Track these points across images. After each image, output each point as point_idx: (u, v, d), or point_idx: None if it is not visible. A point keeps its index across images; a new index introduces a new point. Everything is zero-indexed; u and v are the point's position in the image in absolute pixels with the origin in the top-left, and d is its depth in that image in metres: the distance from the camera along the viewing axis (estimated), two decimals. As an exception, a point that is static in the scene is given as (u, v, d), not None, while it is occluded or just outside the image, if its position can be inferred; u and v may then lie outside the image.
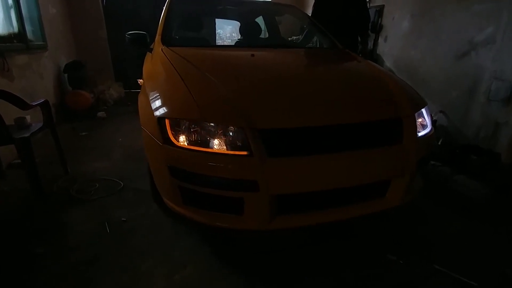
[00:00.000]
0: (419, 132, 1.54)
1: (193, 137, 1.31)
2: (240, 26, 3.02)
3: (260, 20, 3.27)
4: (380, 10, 4.05)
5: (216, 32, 5.61)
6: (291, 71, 1.73)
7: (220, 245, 1.61)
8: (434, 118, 3.20)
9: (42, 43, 3.60)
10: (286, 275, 1.42)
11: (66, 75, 4.17)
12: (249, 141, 1.23)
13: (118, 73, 5.41)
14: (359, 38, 3.29)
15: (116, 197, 2.11)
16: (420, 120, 1.68)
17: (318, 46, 2.77)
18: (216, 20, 5.04)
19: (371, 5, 4.19)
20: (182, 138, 1.32)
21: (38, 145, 2.38)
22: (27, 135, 1.98)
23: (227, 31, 6.24)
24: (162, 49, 1.94)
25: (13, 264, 1.45)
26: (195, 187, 1.32)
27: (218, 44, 4.91)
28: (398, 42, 3.81)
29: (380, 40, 4.13)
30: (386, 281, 1.39)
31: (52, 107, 3.74)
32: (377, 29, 4.10)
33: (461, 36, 2.93)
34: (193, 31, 2.62)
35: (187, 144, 1.30)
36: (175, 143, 1.31)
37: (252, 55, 1.84)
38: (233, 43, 3.32)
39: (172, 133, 1.33)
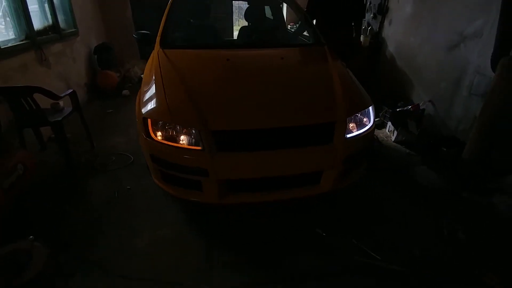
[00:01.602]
0: (354, 132, 1.85)
1: (166, 133, 1.76)
2: (246, 9, 3.31)
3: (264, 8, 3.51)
4: (387, -8, 4.01)
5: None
6: (255, 77, 2.05)
7: (193, 212, 2.11)
8: (422, 107, 3.35)
9: (74, 30, 4.12)
10: (237, 240, 1.88)
11: (95, 56, 4.74)
12: (202, 140, 1.65)
13: (143, 51, 5.90)
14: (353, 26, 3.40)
15: (127, 169, 2.67)
16: (365, 120, 1.98)
17: (307, 39, 2.96)
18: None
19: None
20: (159, 134, 1.77)
21: (71, 124, 2.99)
22: (59, 118, 2.54)
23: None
24: (158, 51, 2.34)
25: (49, 216, 2.06)
26: (168, 171, 1.80)
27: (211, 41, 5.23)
28: (401, 27, 3.82)
29: (386, 22, 4.13)
30: (306, 248, 1.81)
31: (85, 86, 4.41)
32: (384, 11, 4.09)
33: (454, 26, 2.96)
34: (192, 30, 2.95)
35: (162, 138, 1.75)
36: (154, 137, 1.76)
37: (228, 59, 2.19)
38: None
39: (153, 128, 1.79)
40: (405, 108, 3.38)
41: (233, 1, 5.61)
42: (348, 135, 1.80)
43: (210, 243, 1.84)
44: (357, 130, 1.87)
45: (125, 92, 4.70)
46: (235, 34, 4.68)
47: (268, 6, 3.72)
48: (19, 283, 1.41)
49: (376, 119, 3.67)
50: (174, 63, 2.14)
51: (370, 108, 1.99)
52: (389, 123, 3.38)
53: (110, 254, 1.75)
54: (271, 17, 3.65)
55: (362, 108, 1.93)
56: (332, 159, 1.76)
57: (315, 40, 2.72)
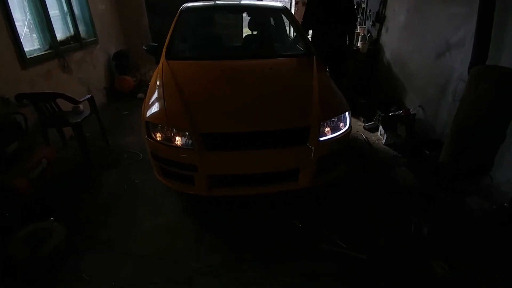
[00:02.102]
0: (328, 135, 2.09)
1: (164, 135, 2.07)
2: (249, 20, 3.61)
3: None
4: (384, 1, 4.17)
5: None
6: (243, 86, 2.32)
7: (188, 204, 2.41)
8: (413, 112, 3.51)
9: (94, 38, 4.54)
10: (225, 228, 2.16)
11: (114, 62, 5.16)
12: (193, 140, 1.95)
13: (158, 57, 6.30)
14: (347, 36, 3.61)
15: (136, 165, 3.01)
16: (341, 124, 2.21)
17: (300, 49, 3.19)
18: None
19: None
20: (158, 135, 2.08)
21: (90, 124, 3.36)
22: (79, 120, 2.92)
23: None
24: (163, 63, 2.67)
25: (67, 203, 2.42)
26: (166, 166, 2.11)
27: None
28: (396, 34, 3.98)
29: (383, 30, 4.30)
30: (283, 236, 2.07)
31: (103, 90, 4.83)
32: (381, 19, 4.26)
33: (441, 35, 3.12)
34: (196, 43, 3.28)
35: (160, 139, 2.06)
36: (154, 138, 2.08)
37: (222, 70, 2.48)
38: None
39: (153, 130, 2.10)
40: (397, 112, 3.55)
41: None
42: (322, 138, 2.04)
43: (200, 230, 2.13)
44: (331, 134, 2.10)
45: (140, 95, 5.08)
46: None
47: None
48: (40, 254, 1.76)
49: (370, 123, 3.89)
50: (176, 73, 2.45)
51: (347, 113, 2.22)
52: (381, 127, 3.56)
53: (116, 236, 2.08)
54: (274, 25, 3.91)
55: (337, 113, 2.16)
56: (307, 159, 2.01)
57: (305, 50, 2.97)
